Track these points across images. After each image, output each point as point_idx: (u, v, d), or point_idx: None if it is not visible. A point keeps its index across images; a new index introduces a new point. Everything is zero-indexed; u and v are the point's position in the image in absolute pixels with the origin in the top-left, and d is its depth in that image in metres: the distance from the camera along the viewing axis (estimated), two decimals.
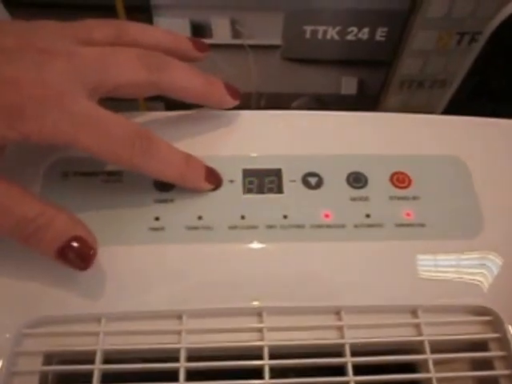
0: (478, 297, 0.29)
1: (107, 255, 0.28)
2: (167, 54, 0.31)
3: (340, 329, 0.28)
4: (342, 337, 0.28)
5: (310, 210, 0.31)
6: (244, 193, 0.31)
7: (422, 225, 0.31)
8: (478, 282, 0.29)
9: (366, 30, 0.60)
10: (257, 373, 0.27)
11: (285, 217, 0.30)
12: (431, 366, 0.27)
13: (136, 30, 0.31)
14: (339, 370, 0.27)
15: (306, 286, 0.29)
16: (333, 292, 0.29)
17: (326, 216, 0.30)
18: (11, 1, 0.52)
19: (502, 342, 0.28)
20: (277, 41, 0.62)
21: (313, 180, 0.32)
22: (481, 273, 0.30)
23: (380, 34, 0.60)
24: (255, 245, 0.30)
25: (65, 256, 0.26)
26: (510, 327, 0.28)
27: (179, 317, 0.28)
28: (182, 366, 0.26)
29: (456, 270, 0.30)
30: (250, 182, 0.31)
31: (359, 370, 0.27)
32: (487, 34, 0.47)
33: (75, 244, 0.26)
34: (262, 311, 0.28)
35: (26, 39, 0.27)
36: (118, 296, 0.28)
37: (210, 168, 0.31)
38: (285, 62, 0.64)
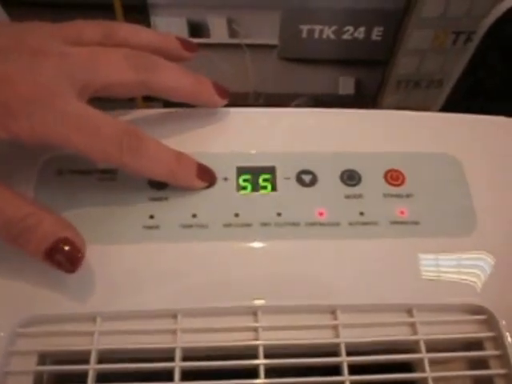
0: (473, 295, 0.29)
1: (101, 254, 0.28)
2: (156, 54, 0.31)
3: (335, 328, 0.28)
4: (338, 336, 0.28)
5: (304, 208, 0.31)
6: (238, 190, 0.31)
7: (416, 223, 0.31)
8: (473, 281, 0.29)
9: (361, 29, 0.60)
10: (252, 372, 0.26)
11: (279, 214, 0.30)
12: (427, 366, 0.27)
13: (125, 30, 0.31)
14: (335, 370, 0.27)
15: (300, 284, 0.29)
16: (327, 290, 0.29)
17: (320, 214, 0.30)
18: (9, 0, 0.53)
19: (497, 340, 0.28)
20: (274, 40, 0.62)
21: (307, 178, 0.32)
22: (475, 271, 0.30)
23: (376, 33, 0.61)
24: (249, 243, 0.30)
25: (52, 258, 0.26)
26: (504, 326, 0.28)
27: (174, 316, 0.28)
28: (177, 365, 0.26)
29: (451, 268, 0.30)
30: (244, 180, 0.31)
31: (355, 369, 0.27)
32: (481, 33, 0.47)
33: (63, 246, 0.26)
34: (257, 310, 0.28)
35: (17, 39, 0.27)
36: (112, 295, 0.28)
37: (202, 165, 0.31)
38: (282, 62, 0.65)
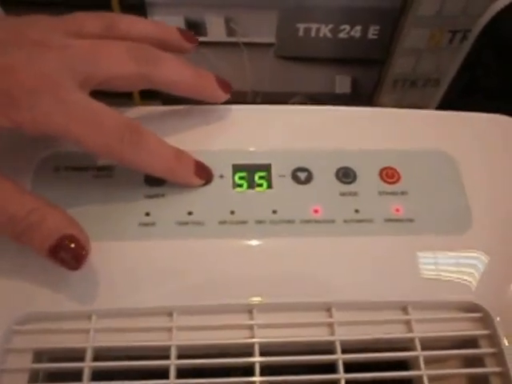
0: (468, 293, 0.29)
1: (97, 251, 0.28)
2: (157, 45, 0.31)
3: (330, 325, 0.28)
4: (333, 334, 0.28)
5: (299, 205, 0.31)
6: (234, 188, 0.31)
7: (411, 220, 0.31)
8: (469, 278, 0.29)
9: (358, 27, 0.60)
10: (248, 370, 0.26)
11: (274, 212, 0.30)
12: (422, 364, 0.27)
13: (126, 22, 0.31)
14: (330, 368, 0.27)
15: (295, 281, 0.29)
16: (322, 288, 0.29)
17: (316, 211, 0.30)
18: None
19: (492, 338, 0.28)
20: (271, 39, 0.62)
21: (302, 175, 0.32)
22: (471, 268, 0.30)
23: (372, 32, 0.61)
24: (245, 240, 0.30)
25: (56, 255, 0.26)
26: (499, 324, 0.28)
27: (170, 314, 0.28)
28: (173, 363, 0.26)
29: (446, 265, 0.30)
30: (240, 177, 0.31)
31: (350, 367, 0.27)
32: (476, 31, 0.47)
33: (67, 243, 0.26)
34: (253, 308, 0.28)
35: (17, 33, 0.27)
36: (108, 292, 0.28)
37: (201, 163, 0.31)
38: (279, 60, 0.65)
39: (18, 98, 0.25)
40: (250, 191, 0.31)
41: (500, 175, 0.33)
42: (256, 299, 0.28)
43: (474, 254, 0.30)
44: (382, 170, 0.32)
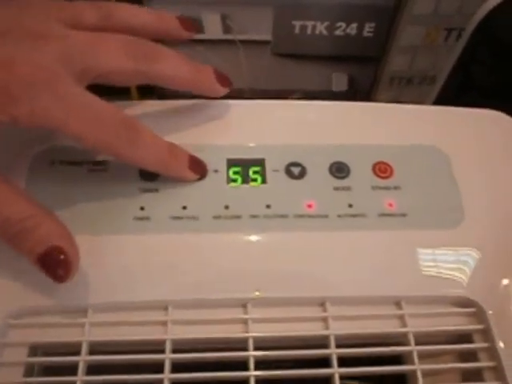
0: (462, 288, 0.29)
1: (92, 245, 0.28)
2: (155, 35, 0.31)
3: (325, 320, 0.28)
4: (327, 328, 0.28)
5: (293, 200, 0.31)
6: (228, 183, 0.31)
7: (404, 215, 0.31)
8: (462, 273, 0.29)
9: (354, 25, 0.60)
10: (242, 364, 0.27)
11: (268, 206, 0.30)
12: (416, 358, 0.27)
13: (124, 11, 0.31)
14: (324, 362, 0.27)
15: (289, 276, 0.29)
16: (316, 282, 0.29)
17: (309, 206, 0.31)
18: None
19: (486, 333, 0.28)
20: (267, 36, 0.62)
21: (296, 170, 0.32)
22: (463, 263, 0.30)
23: (368, 29, 0.61)
24: (239, 235, 0.30)
25: (43, 264, 0.25)
26: (493, 319, 0.28)
27: (165, 308, 0.28)
28: (168, 357, 0.26)
29: (439, 260, 0.30)
30: (235, 172, 0.31)
31: (344, 362, 0.27)
32: (470, 29, 0.47)
33: (56, 254, 0.25)
34: (247, 302, 0.28)
35: (15, 22, 0.27)
36: (103, 286, 0.28)
37: (195, 157, 0.31)
38: (275, 58, 0.65)
39: (15, 92, 0.25)
40: (245, 186, 0.31)
41: (493, 170, 0.33)
42: (250, 293, 0.28)
43: (467, 249, 0.30)
44: (375, 165, 0.32)
